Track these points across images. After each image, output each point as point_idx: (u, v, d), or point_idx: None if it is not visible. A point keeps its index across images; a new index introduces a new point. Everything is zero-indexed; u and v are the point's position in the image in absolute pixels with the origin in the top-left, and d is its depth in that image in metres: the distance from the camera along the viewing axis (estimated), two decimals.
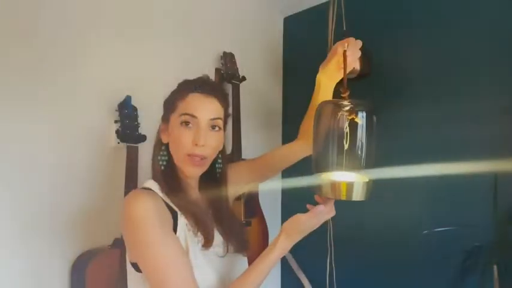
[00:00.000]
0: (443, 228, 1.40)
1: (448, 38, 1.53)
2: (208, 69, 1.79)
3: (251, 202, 1.82)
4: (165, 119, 1.05)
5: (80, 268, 1.31)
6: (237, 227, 1.10)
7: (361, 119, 0.89)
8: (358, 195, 0.88)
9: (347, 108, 0.88)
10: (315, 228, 0.94)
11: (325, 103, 0.95)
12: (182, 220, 0.97)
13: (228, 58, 1.80)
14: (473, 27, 1.47)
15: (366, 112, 0.91)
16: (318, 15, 1.95)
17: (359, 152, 0.89)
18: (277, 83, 2.18)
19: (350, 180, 0.88)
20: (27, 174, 1.28)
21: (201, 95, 1.01)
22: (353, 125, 0.88)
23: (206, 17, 1.83)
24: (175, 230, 0.94)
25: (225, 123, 1.08)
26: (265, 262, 0.92)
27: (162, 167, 1.02)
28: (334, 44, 1.06)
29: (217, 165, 1.09)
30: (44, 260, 1.30)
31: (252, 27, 2.06)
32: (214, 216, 1.06)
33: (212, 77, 1.81)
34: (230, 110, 1.10)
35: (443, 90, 1.53)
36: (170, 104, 1.04)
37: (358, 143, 0.89)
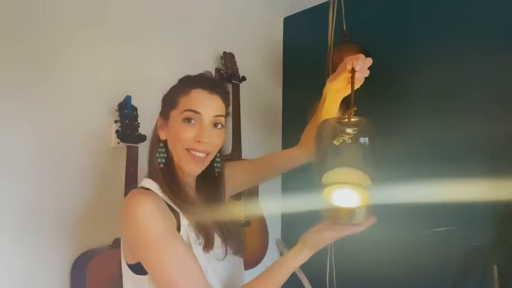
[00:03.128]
0: (443, 228, 1.40)
1: (448, 38, 1.53)
2: (208, 69, 1.78)
3: (251, 202, 1.82)
4: (164, 115, 1.02)
5: (80, 268, 1.31)
6: (235, 227, 1.08)
7: (363, 140, 0.87)
8: (360, 218, 0.88)
9: (348, 130, 0.86)
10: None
11: (325, 123, 0.92)
12: (185, 221, 0.95)
13: (228, 58, 1.80)
14: (474, 28, 1.47)
15: (369, 135, 0.88)
16: (318, 15, 1.95)
17: (361, 169, 0.88)
18: (277, 83, 2.18)
19: (351, 206, 0.87)
20: (26, 174, 1.28)
21: (204, 92, 0.98)
22: (355, 144, 0.86)
23: (206, 17, 1.83)
24: (178, 230, 0.93)
25: (226, 120, 1.06)
26: (284, 270, 0.93)
27: (161, 165, 1.00)
28: (333, 44, 1.04)
29: (215, 164, 1.07)
30: (44, 260, 1.30)
31: (252, 27, 2.06)
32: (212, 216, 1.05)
33: None
34: (230, 109, 1.09)
35: (443, 90, 1.53)
36: (171, 100, 1.01)
37: (360, 160, 0.88)
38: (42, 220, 1.30)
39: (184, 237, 0.93)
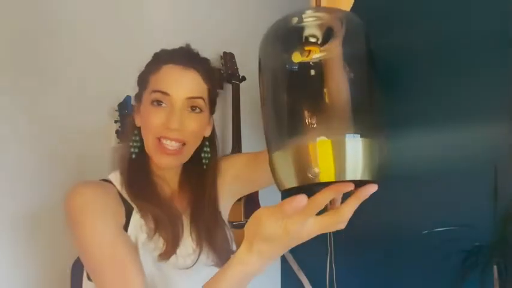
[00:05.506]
0: (443, 228, 1.40)
1: (448, 37, 1.53)
2: None
3: (251, 202, 1.82)
4: (138, 97, 0.88)
5: (80, 268, 1.31)
6: (221, 233, 0.88)
7: (341, 41, 0.50)
8: (351, 173, 0.46)
9: (311, 23, 0.50)
10: (300, 240, 0.55)
11: (273, 26, 0.54)
12: (137, 218, 0.80)
13: (228, 58, 1.80)
14: (474, 26, 1.47)
15: (352, 28, 0.51)
16: None
17: (346, 107, 0.49)
18: None
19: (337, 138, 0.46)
20: (26, 174, 1.28)
21: (177, 67, 0.82)
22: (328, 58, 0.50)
23: (206, 17, 1.83)
24: (126, 229, 0.79)
25: (213, 104, 0.89)
26: (219, 284, 0.61)
27: (134, 155, 0.86)
28: None
29: (203, 155, 0.90)
30: (44, 260, 1.30)
31: (252, 27, 2.06)
32: (192, 218, 0.87)
33: None
34: (217, 90, 0.92)
35: (442, 88, 1.52)
36: (143, 79, 0.87)
37: (342, 88, 0.50)
38: (42, 220, 1.30)
39: (133, 238, 0.79)
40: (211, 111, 0.90)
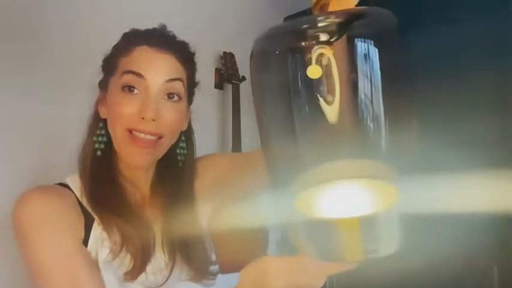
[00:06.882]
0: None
1: (449, 37, 1.53)
2: (208, 69, 1.79)
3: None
4: (103, 84, 0.79)
5: None
6: (197, 243, 0.79)
7: (360, 48, 0.38)
8: (391, 241, 0.39)
9: (322, 29, 0.39)
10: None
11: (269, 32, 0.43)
12: (98, 232, 0.71)
13: (228, 58, 1.80)
14: (474, 26, 1.46)
15: (375, 32, 0.41)
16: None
17: (369, 128, 0.39)
18: None
19: (362, 211, 0.37)
20: (26, 175, 1.28)
21: (151, 50, 0.73)
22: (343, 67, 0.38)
23: (206, 17, 1.83)
24: (86, 243, 0.70)
25: (191, 93, 0.81)
26: None
27: (98, 152, 0.75)
28: None
29: (178, 151, 0.80)
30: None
31: (252, 27, 2.05)
32: (165, 226, 0.77)
33: (212, 77, 1.82)
34: (196, 77, 0.85)
35: (441, 86, 1.52)
36: (110, 63, 0.78)
37: (364, 106, 0.39)
38: None
39: (93, 254, 0.70)
40: (189, 101, 0.81)
